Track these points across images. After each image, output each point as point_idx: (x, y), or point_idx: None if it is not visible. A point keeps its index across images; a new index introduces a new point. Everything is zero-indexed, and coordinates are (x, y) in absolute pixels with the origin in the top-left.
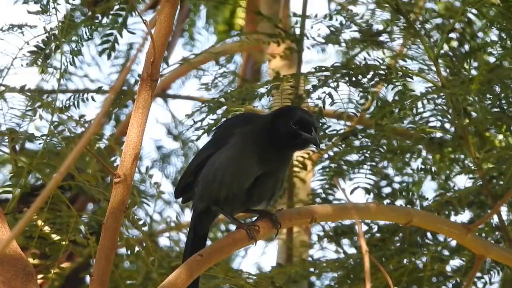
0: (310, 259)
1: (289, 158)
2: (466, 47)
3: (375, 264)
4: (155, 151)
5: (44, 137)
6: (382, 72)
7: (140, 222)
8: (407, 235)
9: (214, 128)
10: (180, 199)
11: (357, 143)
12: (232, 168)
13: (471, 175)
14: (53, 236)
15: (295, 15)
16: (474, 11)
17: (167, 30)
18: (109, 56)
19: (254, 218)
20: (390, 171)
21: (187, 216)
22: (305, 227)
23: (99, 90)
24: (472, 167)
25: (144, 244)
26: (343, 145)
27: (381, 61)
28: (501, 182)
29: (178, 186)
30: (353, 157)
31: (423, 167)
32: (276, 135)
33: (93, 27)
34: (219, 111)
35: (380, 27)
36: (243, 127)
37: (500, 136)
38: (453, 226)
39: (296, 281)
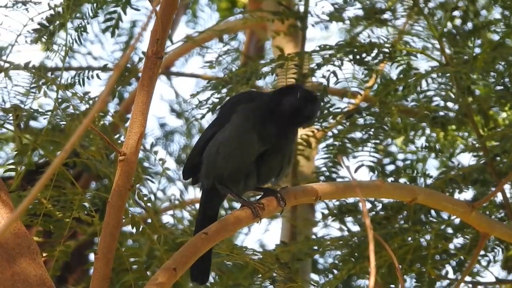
0: (314, 237)
1: (294, 135)
2: (470, 25)
3: (379, 242)
4: (159, 128)
5: (49, 114)
6: (386, 50)
7: (145, 199)
8: (411, 213)
9: (219, 106)
10: (188, 180)
11: (361, 121)
12: (233, 144)
13: (475, 153)
14: (58, 213)
15: None
16: None
17: (172, 8)
18: (113, 34)
19: (259, 196)
20: (394, 148)
21: (191, 194)
22: (309, 205)
23: (104, 68)
24: (476, 145)
25: (150, 221)
26: (347, 123)
27: (385, 39)
28: (505, 160)
29: (186, 166)
30: (357, 135)
31: (427, 145)
32: (280, 111)
33: (97, 4)
34: (224, 90)
35: (384, 5)
36: (246, 104)
37: (504, 114)
38: (457, 204)
39: (300, 259)
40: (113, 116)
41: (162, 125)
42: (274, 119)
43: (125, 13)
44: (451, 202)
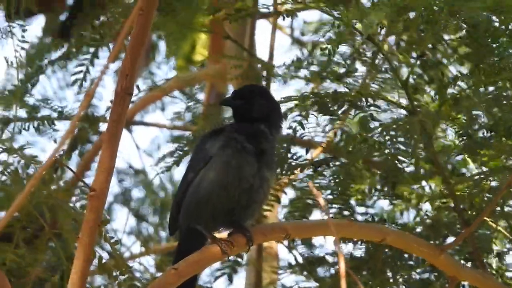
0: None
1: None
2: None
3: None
4: (117, 184)
5: None
6: (351, 99)
7: (113, 240)
8: (379, 263)
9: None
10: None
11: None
12: (228, 178)
13: (443, 200)
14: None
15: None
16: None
17: (140, 44)
18: (80, 87)
19: (228, 233)
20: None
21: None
22: (274, 253)
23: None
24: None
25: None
26: (314, 174)
27: (349, 89)
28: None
29: (170, 222)
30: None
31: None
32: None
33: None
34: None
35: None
36: (218, 137)
37: (471, 165)
38: (426, 246)
39: None
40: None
41: (120, 181)
42: (250, 135)
43: (93, 65)
44: (420, 244)
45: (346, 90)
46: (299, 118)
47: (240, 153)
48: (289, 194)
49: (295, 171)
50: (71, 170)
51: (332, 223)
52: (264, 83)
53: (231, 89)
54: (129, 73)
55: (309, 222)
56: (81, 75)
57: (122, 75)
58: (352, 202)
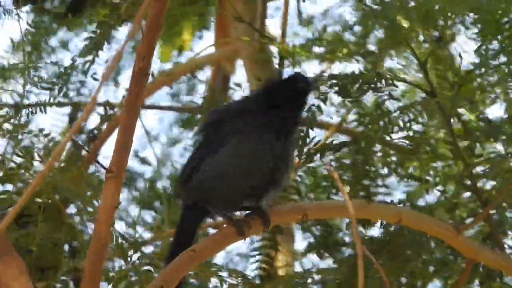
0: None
1: (294, 139)
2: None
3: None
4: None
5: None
6: (370, 80)
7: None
8: (398, 246)
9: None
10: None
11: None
12: (248, 166)
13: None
14: None
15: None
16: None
17: (157, 25)
18: (87, 71)
19: (245, 213)
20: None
21: None
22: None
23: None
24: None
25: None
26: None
27: (367, 70)
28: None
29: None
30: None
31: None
32: (279, 106)
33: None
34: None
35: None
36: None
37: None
38: (443, 227)
39: None
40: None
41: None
42: (274, 122)
43: (102, 49)
44: (437, 225)
45: (362, 71)
46: (317, 102)
47: (265, 135)
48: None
49: (314, 157)
50: (86, 150)
51: (350, 203)
52: (276, 64)
53: (239, 72)
54: (146, 55)
55: (327, 203)
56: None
57: (139, 57)
58: (367, 182)
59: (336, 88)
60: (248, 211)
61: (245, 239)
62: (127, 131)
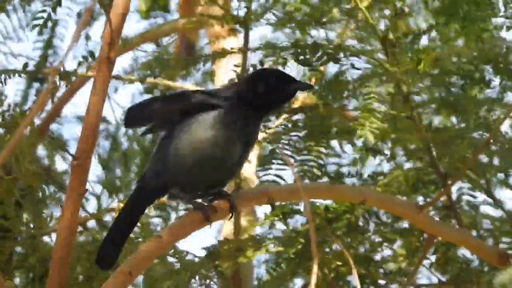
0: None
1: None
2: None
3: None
4: None
5: None
6: (329, 51)
7: None
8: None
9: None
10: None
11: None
12: (215, 153)
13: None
14: None
15: None
16: None
17: (123, 10)
18: (40, 33)
19: (209, 199)
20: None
21: None
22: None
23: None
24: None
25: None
26: (289, 125)
27: (329, 41)
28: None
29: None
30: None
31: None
32: (257, 98)
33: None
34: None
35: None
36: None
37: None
38: (406, 206)
39: (241, 250)
40: None
41: None
42: (247, 114)
43: (55, 12)
44: (400, 204)
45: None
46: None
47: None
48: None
49: (270, 123)
50: (52, 138)
51: (311, 187)
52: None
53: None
54: (111, 40)
55: (292, 186)
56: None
57: (105, 43)
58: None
59: (297, 56)
60: (211, 196)
61: (210, 225)
62: (94, 117)
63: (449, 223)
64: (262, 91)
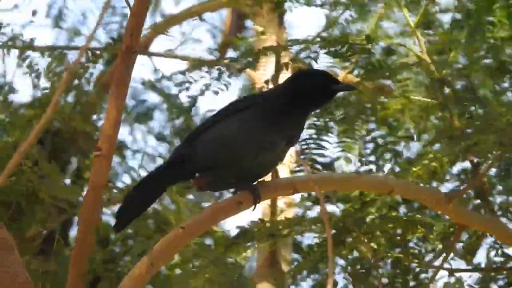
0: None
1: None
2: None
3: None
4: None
5: None
6: (360, 43)
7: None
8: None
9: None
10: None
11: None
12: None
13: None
14: None
15: None
16: None
17: (145, 2)
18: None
19: (234, 189)
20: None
21: None
22: None
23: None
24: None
25: None
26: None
27: (360, 31)
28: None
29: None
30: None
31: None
32: (300, 98)
33: None
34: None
35: None
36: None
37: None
38: (434, 195)
39: (274, 235)
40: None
41: (143, 101)
42: (288, 111)
43: None
44: (428, 193)
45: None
46: (307, 61)
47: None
48: None
49: None
50: (77, 132)
51: (338, 178)
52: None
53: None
54: (134, 32)
55: (316, 177)
56: None
57: (127, 34)
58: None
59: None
60: (236, 187)
61: (254, 208)
62: (115, 110)
63: (478, 213)
64: (306, 90)
